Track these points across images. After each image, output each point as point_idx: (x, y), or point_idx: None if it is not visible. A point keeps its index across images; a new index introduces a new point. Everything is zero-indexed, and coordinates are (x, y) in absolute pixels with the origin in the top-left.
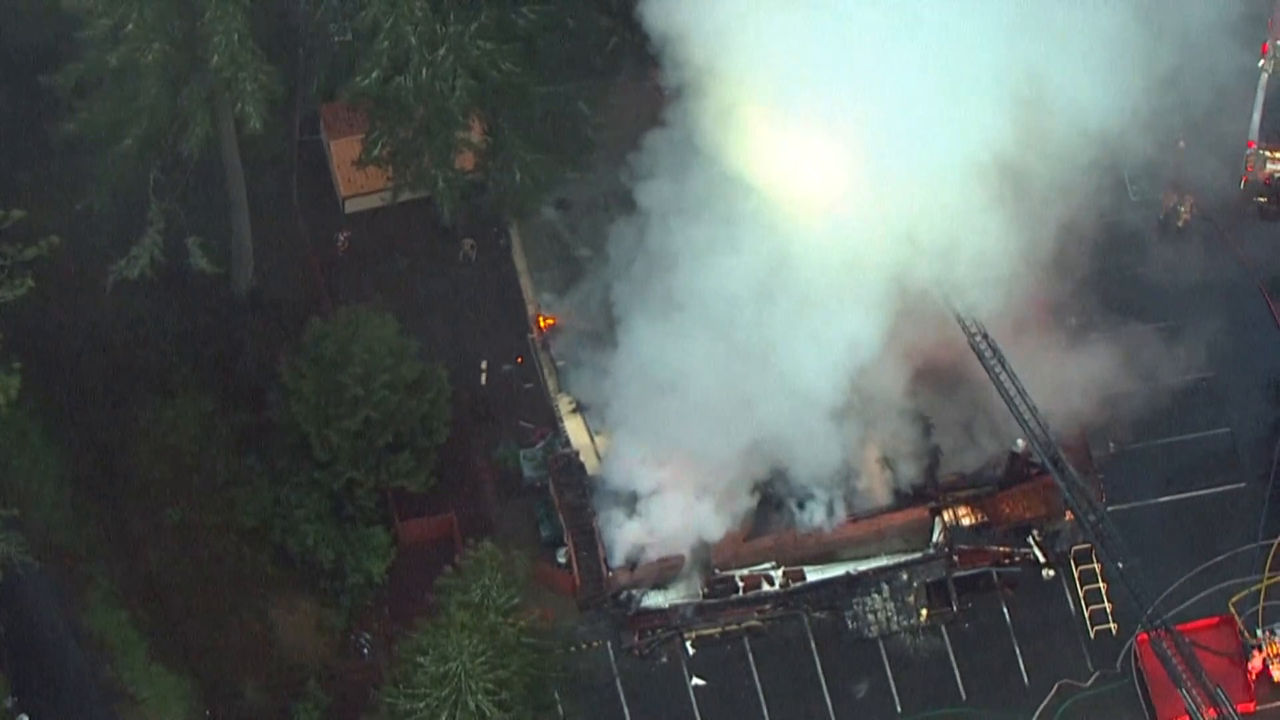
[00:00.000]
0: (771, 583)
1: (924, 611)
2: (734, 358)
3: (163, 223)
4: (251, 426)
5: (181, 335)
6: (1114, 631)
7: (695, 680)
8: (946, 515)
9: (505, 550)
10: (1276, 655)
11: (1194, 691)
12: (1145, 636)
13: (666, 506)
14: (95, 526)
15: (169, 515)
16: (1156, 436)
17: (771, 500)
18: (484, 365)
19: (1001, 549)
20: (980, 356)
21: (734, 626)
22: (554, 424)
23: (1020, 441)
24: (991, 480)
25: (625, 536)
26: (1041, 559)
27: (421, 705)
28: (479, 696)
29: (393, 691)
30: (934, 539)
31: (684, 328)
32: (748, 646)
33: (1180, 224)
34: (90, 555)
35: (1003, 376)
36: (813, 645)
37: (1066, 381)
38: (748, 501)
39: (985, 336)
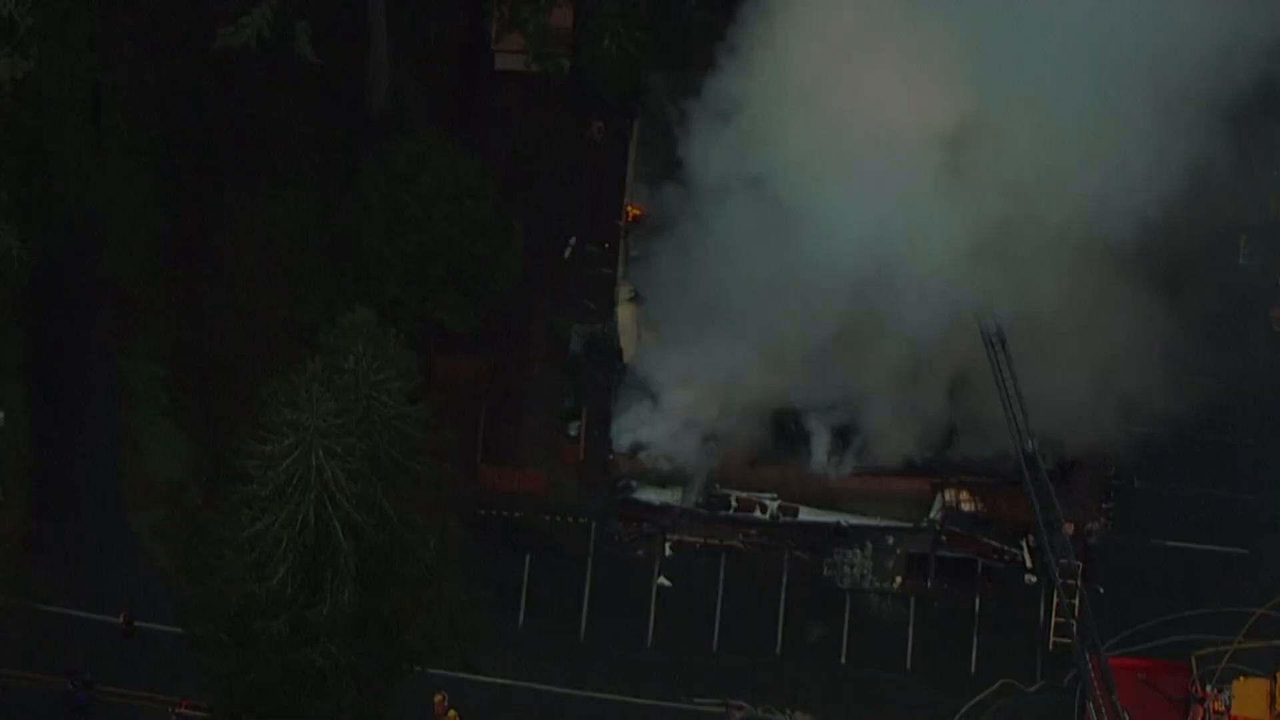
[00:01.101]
0: (765, 511)
1: (899, 579)
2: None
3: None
4: (346, 237)
5: (308, 138)
6: (1074, 646)
7: (662, 580)
8: (948, 494)
9: (383, 330)
10: (1216, 713)
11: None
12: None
13: (678, 411)
14: (170, 288)
15: (240, 297)
16: (1182, 486)
17: (787, 434)
18: (571, 240)
19: (991, 543)
20: (991, 359)
21: (715, 542)
22: (610, 307)
23: (1033, 443)
24: (998, 474)
25: (636, 426)
26: (1028, 564)
27: (268, 448)
28: (323, 456)
29: (250, 433)
30: (930, 514)
31: (744, 245)
32: (722, 564)
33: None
34: (155, 310)
35: (1006, 384)
36: (784, 580)
37: (1101, 406)
38: (760, 429)
39: (1002, 343)
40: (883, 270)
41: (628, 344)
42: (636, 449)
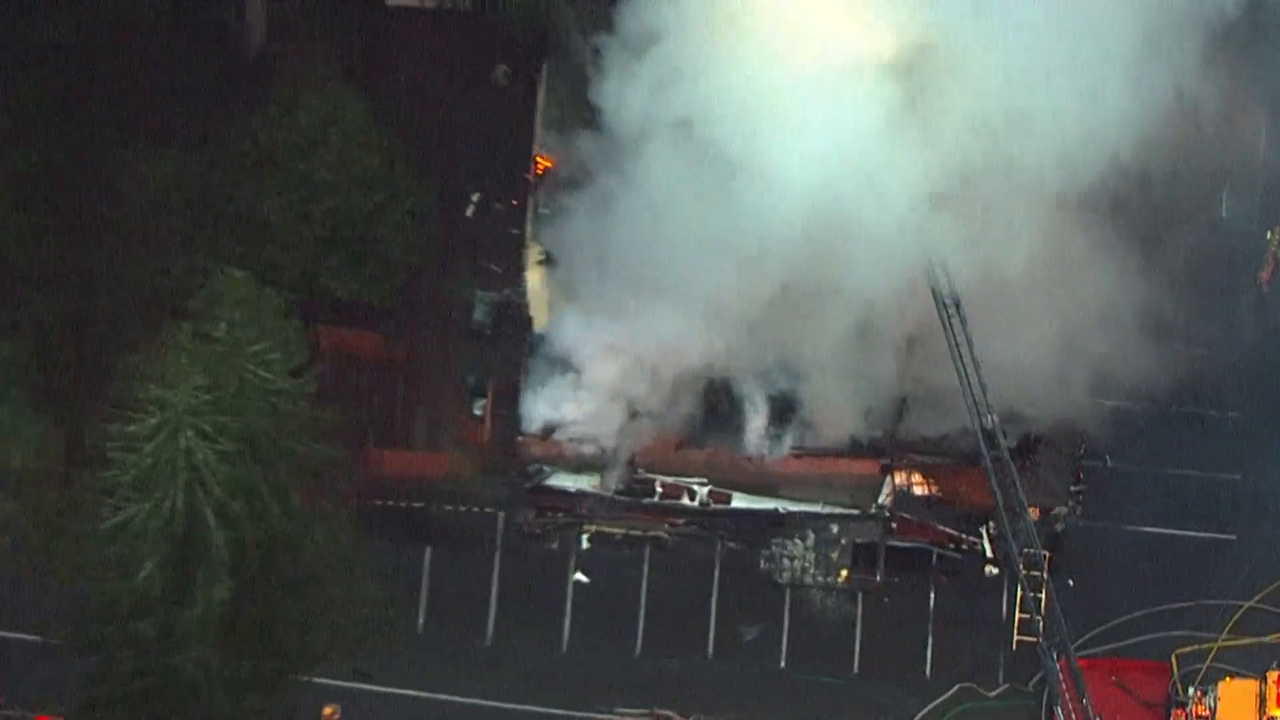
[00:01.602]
0: (694, 498)
1: (844, 572)
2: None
3: None
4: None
5: (185, 89)
6: (1040, 648)
7: (579, 575)
8: (899, 477)
9: (259, 290)
10: (1199, 718)
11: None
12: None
13: (602, 386)
14: (34, 259)
15: (111, 265)
16: (1160, 465)
17: (718, 413)
18: (474, 197)
19: (947, 531)
20: (944, 323)
21: (639, 533)
22: (519, 271)
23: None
24: (954, 454)
25: (549, 405)
26: (989, 553)
27: (131, 428)
28: (192, 437)
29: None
30: (879, 499)
31: (670, 197)
32: (646, 557)
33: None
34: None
35: (961, 351)
36: (716, 574)
37: (1069, 376)
38: (691, 406)
39: (957, 305)
40: (829, 223)
41: (539, 312)
42: (550, 429)
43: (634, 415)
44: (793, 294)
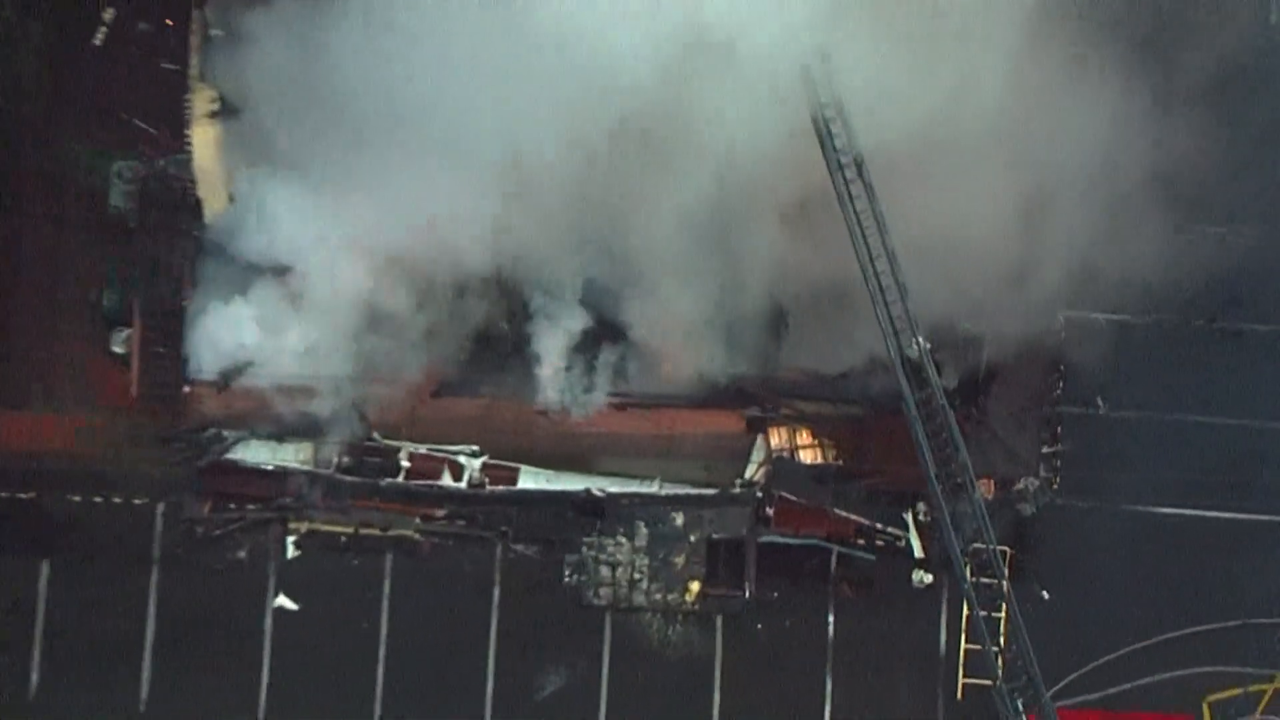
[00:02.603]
0: (459, 476)
1: (695, 585)
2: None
3: None
4: None
5: None
6: (998, 694)
7: (282, 599)
8: (776, 437)
9: None
10: None
11: None
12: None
13: (315, 304)
14: None
15: None
16: (1176, 411)
17: (498, 342)
18: (107, 16)
19: (852, 518)
20: (840, 196)
21: (374, 531)
22: (179, 128)
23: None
24: (860, 399)
25: (231, 335)
26: (917, 550)
27: None
28: None
29: None
30: (747, 472)
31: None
32: (388, 569)
33: None
34: None
35: (867, 234)
36: (495, 594)
37: (1039, 274)
38: (457, 332)
39: (858, 168)
40: (674, 45)
41: (212, 191)
42: (233, 373)
43: (367, 349)
44: (621, 149)
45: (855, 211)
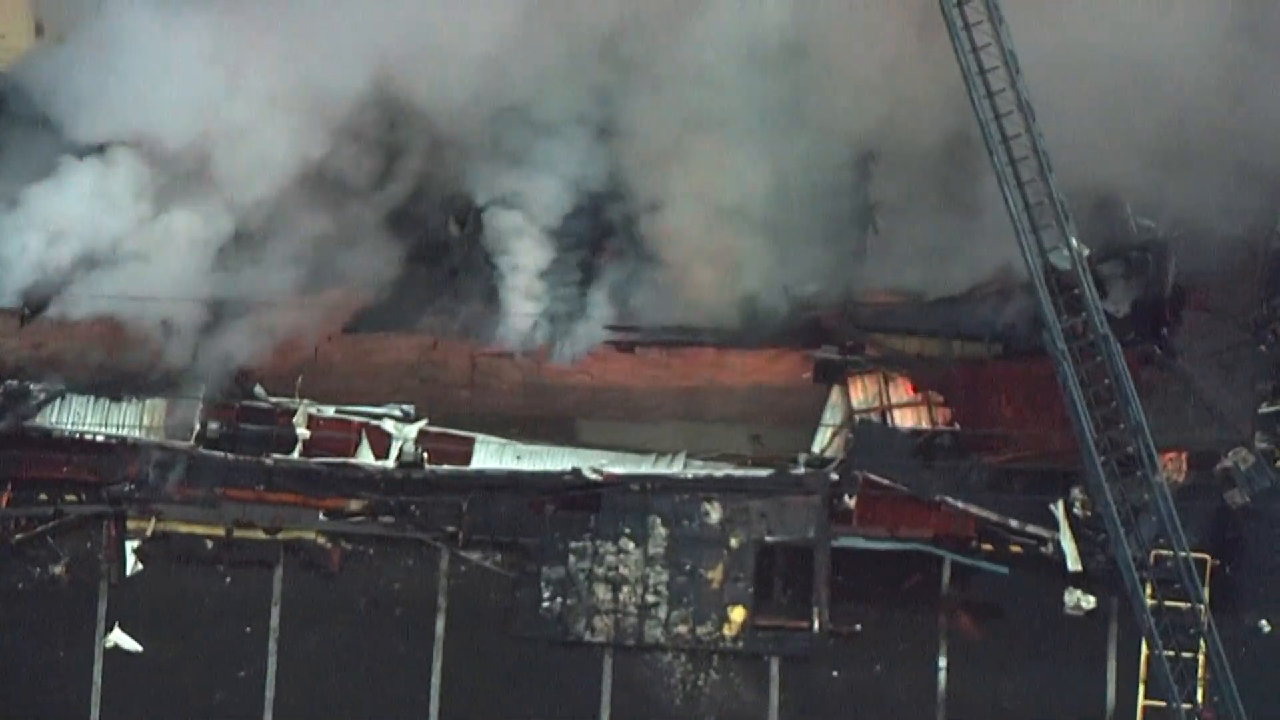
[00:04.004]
0: (383, 452)
1: (738, 613)
2: None
3: None
4: None
5: None
6: None
7: (116, 635)
8: (858, 389)
9: None
10: None
11: None
12: None
13: (168, 185)
14: None
15: None
16: None
17: (448, 251)
18: None
19: (974, 511)
20: (952, 30)
21: (257, 533)
22: None
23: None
24: (987, 334)
25: (39, 235)
26: (1071, 560)
27: None
28: None
29: None
30: (815, 442)
31: None
32: (277, 591)
33: None
34: None
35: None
36: (438, 625)
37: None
38: (383, 240)
39: None
40: None
41: (13, 30)
42: (42, 304)
43: (246, 260)
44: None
45: (966, 49)
